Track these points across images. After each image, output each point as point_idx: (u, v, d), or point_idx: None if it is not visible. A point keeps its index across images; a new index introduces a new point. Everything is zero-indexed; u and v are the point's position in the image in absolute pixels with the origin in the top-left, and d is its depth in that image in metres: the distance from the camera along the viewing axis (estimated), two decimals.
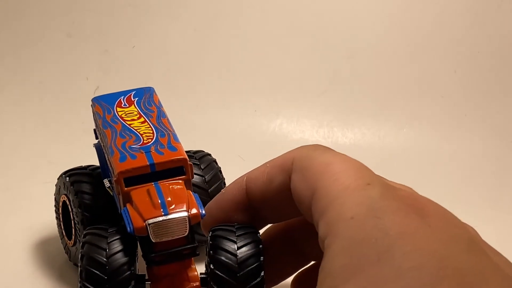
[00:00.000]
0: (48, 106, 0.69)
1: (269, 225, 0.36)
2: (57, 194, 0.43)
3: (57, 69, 0.72)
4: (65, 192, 0.41)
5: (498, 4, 0.73)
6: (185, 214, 0.32)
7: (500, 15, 0.72)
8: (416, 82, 0.71)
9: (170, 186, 0.33)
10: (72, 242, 0.41)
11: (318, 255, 0.34)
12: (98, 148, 0.40)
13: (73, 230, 0.41)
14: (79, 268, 0.32)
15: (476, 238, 0.26)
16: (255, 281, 0.31)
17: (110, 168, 0.36)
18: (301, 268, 0.36)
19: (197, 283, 0.34)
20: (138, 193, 0.33)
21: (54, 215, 0.45)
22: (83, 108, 0.71)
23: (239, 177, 0.34)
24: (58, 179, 0.43)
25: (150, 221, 0.31)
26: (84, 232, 0.34)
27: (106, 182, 0.37)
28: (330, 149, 0.30)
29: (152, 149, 0.34)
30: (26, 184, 0.54)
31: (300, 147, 0.32)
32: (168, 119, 0.38)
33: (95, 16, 0.74)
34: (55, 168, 0.58)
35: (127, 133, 0.36)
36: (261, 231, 0.35)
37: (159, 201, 0.32)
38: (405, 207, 0.24)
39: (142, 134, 0.36)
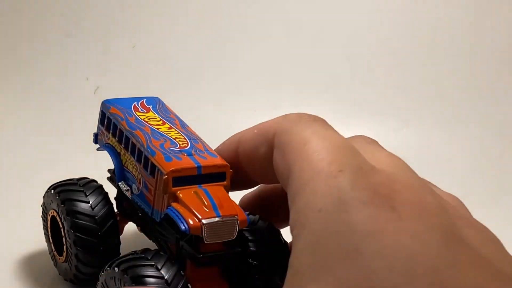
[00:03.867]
0: (48, 106, 0.69)
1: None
2: (45, 209, 0.41)
3: (57, 69, 0.72)
4: (55, 208, 0.38)
5: (498, 4, 0.73)
6: (235, 217, 0.32)
7: (500, 15, 0.72)
8: (416, 82, 0.71)
9: (215, 191, 0.33)
10: (63, 258, 0.38)
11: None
12: (111, 149, 0.38)
13: (65, 247, 0.38)
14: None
15: (456, 226, 0.22)
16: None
17: (135, 170, 0.36)
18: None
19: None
20: (186, 193, 0.33)
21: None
22: (83, 108, 0.71)
23: (235, 135, 0.33)
24: (45, 193, 0.40)
25: (205, 221, 0.31)
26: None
27: (123, 185, 0.37)
28: (317, 121, 0.28)
29: (193, 152, 0.34)
30: (26, 184, 0.54)
31: (284, 116, 0.30)
32: (190, 128, 0.38)
33: (95, 16, 0.74)
34: (55, 168, 0.59)
35: (160, 136, 0.35)
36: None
37: (211, 203, 0.32)
38: (376, 198, 0.21)
39: (175, 138, 0.35)
